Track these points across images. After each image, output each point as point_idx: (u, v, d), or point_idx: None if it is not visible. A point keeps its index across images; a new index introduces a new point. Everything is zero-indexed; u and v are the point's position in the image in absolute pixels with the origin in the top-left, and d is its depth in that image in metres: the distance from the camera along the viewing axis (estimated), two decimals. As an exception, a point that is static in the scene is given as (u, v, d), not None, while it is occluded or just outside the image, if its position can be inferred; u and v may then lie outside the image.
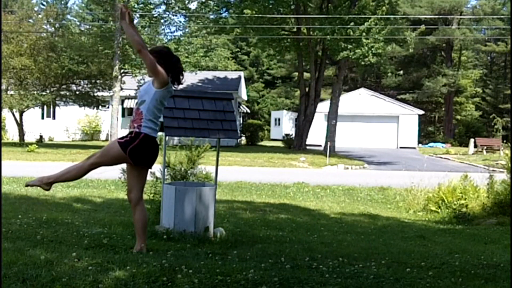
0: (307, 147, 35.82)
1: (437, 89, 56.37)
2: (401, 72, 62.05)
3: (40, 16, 41.91)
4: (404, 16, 44.40)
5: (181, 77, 5.66)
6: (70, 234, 6.47)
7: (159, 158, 7.51)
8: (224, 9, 34.32)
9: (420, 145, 49.55)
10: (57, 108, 41.65)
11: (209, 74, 43.03)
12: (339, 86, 34.85)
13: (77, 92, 35.82)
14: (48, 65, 33.17)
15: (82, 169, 5.49)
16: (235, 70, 54.07)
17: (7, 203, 9.69)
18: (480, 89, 62.98)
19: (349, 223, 9.99)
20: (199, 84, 40.65)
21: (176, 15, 33.88)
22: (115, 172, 8.04)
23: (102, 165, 5.53)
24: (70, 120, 43.63)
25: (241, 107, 46.53)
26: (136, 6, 30.87)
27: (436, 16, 54.30)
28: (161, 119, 5.65)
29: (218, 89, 37.95)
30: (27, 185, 5.64)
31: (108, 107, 36.35)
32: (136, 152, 5.31)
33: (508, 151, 15.40)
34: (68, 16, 48.67)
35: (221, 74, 44.89)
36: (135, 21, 30.52)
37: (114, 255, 5.26)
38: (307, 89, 35.49)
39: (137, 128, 5.34)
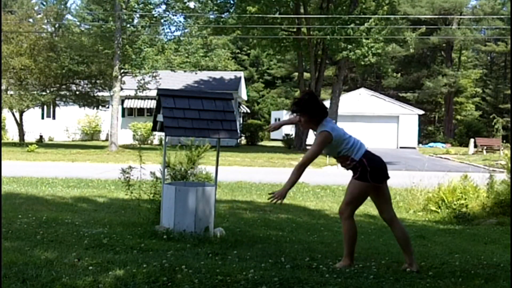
0: (307, 147, 35.77)
1: (437, 89, 56.36)
2: (401, 73, 62.02)
3: (40, 16, 41.93)
4: (404, 16, 44.42)
5: (325, 109, 5.75)
6: (70, 234, 6.47)
7: (160, 158, 7.52)
8: (224, 9, 34.32)
9: (420, 145, 49.54)
10: (57, 108, 41.64)
11: (209, 74, 43.03)
12: (339, 86, 34.85)
13: (77, 92, 35.80)
14: (48, 65, 33.14)
15: (349, 224, 5.52)
16: (235, 70, 54.06)
17: (7, 203, 9.69)
18: (480, 89, 62.98)
19: (349, 223, 9.97)
20: (199, 84, 40.67)
21: (176, 15, 33.88)
22: (114, 173, 8.04)
23: (356, 209, 5.65)
24: (70, 120, 43.62)
25: (241, 107, 46.53)
26: (136, 6, 30.85)
27: (436, 16, 54.30)
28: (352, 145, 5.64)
29: (218, 89, 37.95)
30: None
31: (108, 107, 36.34)
32: (374, 174, 5.43)
33: (508, 151, 15.40)
34: (68, 16, 48.75)
35: (221, 74, 44.88)
36: (135, 21, 30.54)
37: (114, 255, 5.27)
38: (307, 89, 35.42)
39: (352, 162, 5.49)
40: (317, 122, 5.54)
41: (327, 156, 5.79)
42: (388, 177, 5.62)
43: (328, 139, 5.45)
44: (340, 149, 5.51)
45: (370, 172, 5.39)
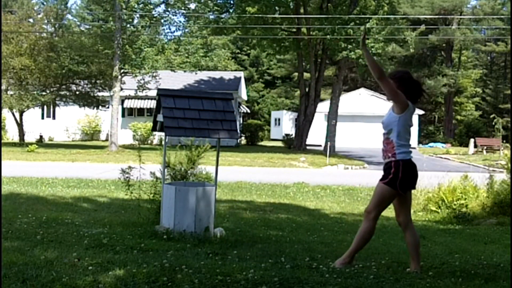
0: (307, 147, 35.81)
1: (438, 88, 56.35)
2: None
3: (40, 16, 41.91)
4: (404, 16, 44.39)
5: (420, 96, 5.66)
6: (70, 234, 6.47)
7: (159, 158, 7.52)
8: (224, 9, 34.31)
9: (420, 145, 49.53)
10: (57, 108, 41.64)
11: (209, 74, 43.01)
12: (339, 86, 34.86)
13: (77, 92, 35.81)
14: (48, 65, 33.13)
15: (370, 226, 5.60)
16: (235, 70, 54.06)
17: (7, 203, 9.70)
18: (480, 89, 62.98)
19: (349, 223, 9.99)
20: (199, 84, 40.67)
21: (176, 15, 33.88)
22: (114, 173, 8.04)
23: (382, 211, 5.70)
24: (70, 120, 43.62)
25: (241, 107, 46.52)
26: (136, 6, 30.85)
27: (436, 16, 54.30)
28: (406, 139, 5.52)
29: (218, 89, 37.95)
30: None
31: (108, 107, 36.33)
32: (404, 183, 5.39)
33: (508, 151, 15.41)
34: (68, 16, 48.71)
35: (221, 74, 44.87)
36: (135, 21, 30.53)
37: (114, 255, 5.27)
38: (307, 89, 35.49)
39: (392, 156, 5.42)
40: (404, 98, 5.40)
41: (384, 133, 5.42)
42: (414, 187, 5.64)
43: (406, 104, 5.36)
44: (397, 128, 5.39)
45: (400, 180, 5.37)
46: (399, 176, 5.35)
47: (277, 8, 33.20)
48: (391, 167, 5.41)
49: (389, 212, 12.45)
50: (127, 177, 7.70)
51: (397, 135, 5.39)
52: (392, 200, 5.58)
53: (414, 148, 45.37)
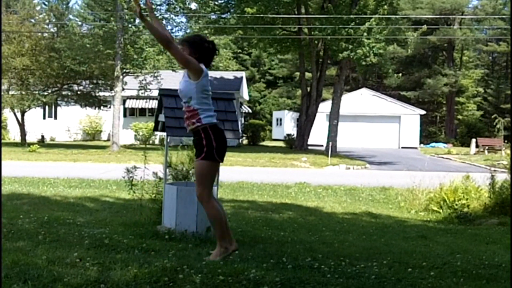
0: (309, 147, 35.81)
1: (439, 87, 56.32)
2: (402, 73, 61.99)
3: (41, 16, 41.96)
4: (405, 16, 44.42)
5: (212, 58, 5.54)
6: (72, 234, 6.47)
7: (161, 158, 7.53)
8: (225, 10, 34.31)
9: (421, 145, 49.52)
10: (58, 108, 41.67)
11: (211, 74, 42.74)
12: (340, 86, 34.83)
13: (79, 92, 35.85)
14: (50, 65, 33.18)
15: (214, 206, 5.46)
16: (237, 70, 54.07)
17: (8, 203, 9.71)
18: (482, 89, 62.92)
19: (351, 223, 9.99)
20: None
21: (177, 16, 33.88)
22: (116, 172, 8.04)
23: (212, 186, 5.52)
24: (71, 120, 43.66)
25: (242, 107, 46.53)
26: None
27: (437, 16, 54.28)
28: (210, 106, 5.48)
29: (219, 89, 37.76)
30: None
31: (109, 107, 36.35)
32: (219, 150, 5.33)
33: (509, 151, 15.41)
34: (70, 16, 48.74)
35: (222, 74, 44.89)
36: (136, 21, 30.48)
37: (115, 255, 5.27)
38: (308, 89, 35.49)
39: (198, 122, 5.31)
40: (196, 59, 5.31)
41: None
42: (224, 155, 5.48)
43: (200, 69, 5.26)
44: (196, 95, 5.30)
45: (216, 148, 5.27)
46: (214, 145, 5.27)
47: (276, 8, 33.13)
48: (201, 137, 5.30)
49: (391, 213, 12.48)
50: (130, 176, 7.71)
51: (198, 102, 5.31)
52: (215, 172, 5.51)
53: (415, 148, 45.54)
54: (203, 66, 5.34)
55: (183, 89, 5.43)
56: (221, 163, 5.55)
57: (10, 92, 33.45)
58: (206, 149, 5.28)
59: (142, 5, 5.27)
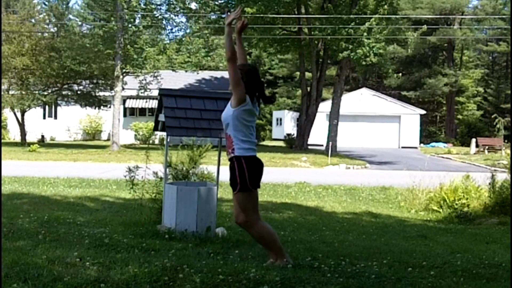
0: (309, 147, 35.80)
1: (439, 87, 56.32)
2: (402, 73, 62.01)
3: (41, 16, 41.96)
4: (405, 16, 44.42)
5: (255, 95, 5.34)
6: (72, 233, 6.47)
7: (161, 158, 7.53)
8: (225, 10, 34.30)
9: (421, 145, 49.50)
10: (58, 108, 41.67)
11: (211, 74, 43.02)
12: (340, 86, 34.83)
13: (79, 92, 35.85)
14: (50, 65, 33.18)
15: (262, 226, 5.32)
16: (237, 70, 53.97)
17: (8, 203, 9.71)
18: (482, 89, 62.91)
19: (351, 223, 9.99)
20: (201, 84, 40.68)
21: (177, 15, 33.87)
22: (116, 172, 8.04)
23: (256, 211, 5.32)
24: (71, 120, 43.65)
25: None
26: (137, 6, 30.85)
27: (438, 16, 54.27)
28: (248, 137, 5.29)
29: (219, 89, 37.92)
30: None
31: (109, 107, 36.34)
32: (253, 179, 5.15)
33: (509, 151, 15.42)
34: (70, 16, 48.71)
35: (222, 74, 44.87)
36: (136, 21, 30.51)
37: (115, 254, 5.27)
38: (308, 89, 35.49)
39: (232, 152, 5.16)
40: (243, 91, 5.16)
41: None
42: (259, 185, 5.33)
43: (243, 98, 5.11)
44: (232, 122, 5.16)
45: (249, 178, 5.11)
46: (246, 175, 5.09)
47: (276, 8, 33.14)
48: (234, 168, 5.13)
49: (391, 212, 12.48)
50: (132, 176, 7.71)
51: (234, 129, 5.15)
52: (255, 200, 5.29)
53: (415, 148, 45.55)
54: (247, 97, 5.17)
55: (224, 114, 5.31)
56: (219, 164, 5.48)
57: (10, 92, 33.45)
58: (240, 181, 5.12)
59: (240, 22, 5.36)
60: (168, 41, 33.87)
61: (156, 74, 31.98)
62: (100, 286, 4.05)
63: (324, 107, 39.76)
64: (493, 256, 6.63)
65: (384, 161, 30.89)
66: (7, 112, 38.76)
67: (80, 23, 39.36)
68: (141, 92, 32.72)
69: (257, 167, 5.22)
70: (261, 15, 31.37)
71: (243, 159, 5.11)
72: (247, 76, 5.21)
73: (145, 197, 7.71)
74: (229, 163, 5.23)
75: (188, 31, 34.15)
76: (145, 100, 40.10)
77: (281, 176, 19.56)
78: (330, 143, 30.70)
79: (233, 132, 5.16)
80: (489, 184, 12.01)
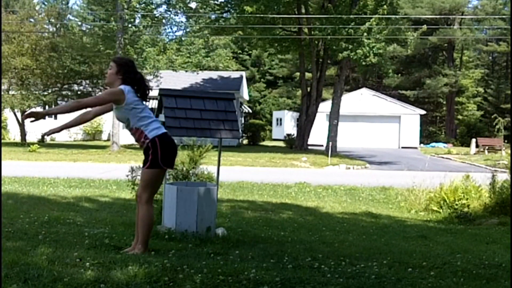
0: (309, 147, 35.80)
1: (439, 87, 56.33)
2: (402, 73, 62.01)
3: (41, 15, 41.94)
4: (405, 16, 44.38)
5: (147, 92, 5.62)
6: (72, 234, 6.47)
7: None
8: (225, 9, 34.32)
9: (421, 145, 49.51)
10: (59, 108, 41.61)
11: (211, 74, 42.99)
12: (340, 86, 34.83)
13: (79, 92, 35.81)
14: (50, 65, 33.17)
15: (147, 209, 5.56)
16: (237, 70, 54.06)
17: (8, 203, 9.70)
18: (482, 89, 62.92)
19: (351, 223, 9.99)
20: (201, 84, 40.66)
21: (177, 15, 33.89)
22: (116, 172, 8.04)
23: (155, 192, 5.72)
24: (71, 120, 43.60)
25: (243, 107, 46.51)
26: (137, 6, 30.86)
27: (438, 16, 54.26)
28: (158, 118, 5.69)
29: (220, 89, 37.91)
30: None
31: (109, 107, 36.32)
32: (165, 158, 5.41)
33: (509, 151, 15.41)
34: (70, 16, 48.73)
35: (222, 74, 44.87)
36: (136, 21, 30.49)
37: (115, 255, 5.27)
38: (308, 89, 35.49)
39: (145, 139, 5.41)
40: (121, 80, 5.46)
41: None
42: (174, 163, 5.67)
43: (119, 94, 5.35)
44: (131, 116, 5.41)
45: (161, 156, 5.36)
46: (159, 154, 5.34)
47: (276, 7, 33.14)
48: (149, 147, 5.39)
49: (391, 212, 12.48)
50: (134, 176, 7.71)
51: (137, 122, 5.42)
52: (161, 179, 5.68)
53: (415, 148, 45.55)
54: (121, 87, 5.40)
55: (117, 116, 5.56)
56: (219, 164, 5.58)
57: (10, 92, 33.44)
58: (152, 157, 5.38)
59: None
60: (168, 41, 33.85)
61: (156, 74, 31.98)
62: (100, 286, 4.05)
63: (324, 107, 39.77)
64: (493, 256, 6.62)
65: (384, 161, 30.88)
66: (7, 112, 38.74)
67: (80, 23, 39.34)
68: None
69: (171, 146, 5.50)
70: (261, 15, 31.36)
71: (157, 138, 5.37)
72: (123, 71, 5.52)
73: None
74: (144, 151, 5.45)
75: (188, 30, 34.17)
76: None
77: (281, 176, 19.56)
78: (330, 143, 30.69)
79: (137, 124, 5.42)
80: (489, 184, 12.02)
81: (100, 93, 5.13)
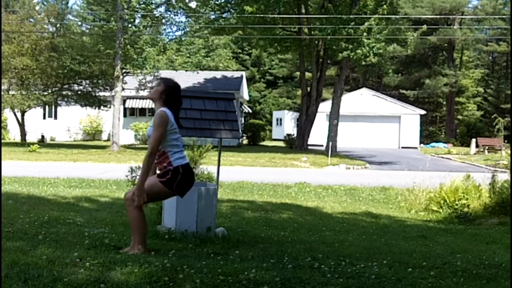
0: (309, 147, 35.79)
1: (439, 87, 56.33)
2: (402, 73, 62.00)
3: (41, 15, 41.93)
4: (405, 16, 44.38)
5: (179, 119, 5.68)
6: (72, 234, 6.47)
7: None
8: (225, 9, 34.31)
9: (421, 145, 49.51)
10: (58, 108, 41.61)
11: (211, 74, 42.99)
12: (340, 86, 34.83)
13: (79, 92, 35.81)
14: (50, 65, 33.16)
15: (138, 213, 5.51)
16: (237, 70, 54.06)
17: (8, 203, 9.70)
18: (482, 89, 62.91)
19: (351, 223, 9.99)
20: (201, 84, 40.66)
21: (177, 15, 33.86)
22: (116, 172, 8.04)
23: (150, 202, 5.74)
24: (71, 120, 43.63)
25: (243, 107, 46.51)
26: (137, 6, 30.85)
27: (438, 16, 54.26)
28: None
29: (220, 89, 37.89)
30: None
31: (109, 107, 36.32)
32: (181, 186, 5.43)
33: (509, 151, 15.41)
34: (70, 16, 48.73)
35: (222, 74, 44.87)
36: (136, 21, 30.49)
37: (115, 255, 5.26)
38: (308, 89, 35.49)
39: (169, 165, 5.40)
40: (163, 100, 5.51)
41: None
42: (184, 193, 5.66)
43: (167, 119, 5.38)
44: (164, 141, 5.40)
45: (178, 182, 5.39)
46: (177, 181, 5.39)
47: (276, 7, 33.13)
48: (168, 172, 5.40)
49: (391, 212, 12.48)
50: (133, 176, 7.71)
51: (168, 145, 5.43)
52: (165, 198, 5.81)
53: (415, 148, 45.55)
54: (166, 110, 5.42)
55: (149, 134, 5.50)
56: (219, 164, 5.58)
57: (10, 92, 33.42)
58: (170, 177, 5.37)
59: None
60: (168, 41, 33.84)
61: (156, 74, 31.97)
62: (100, 286, 4.05)
63: (324, 107, 39.76)
64: (493, 256, 6.63)
65: (384, 161, 30.88)
66: (7, 112, 38.72)
67: (80, 23, 39.34)
68: (141, 89, 32.70)
69: (190, 178, 5.53)
70: (261, 15, 31.36)
71: (181, 167, 5.41)
72: (167, 94, 5.52)
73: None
74: (169, 174, 5.42)
75: (188, 30, 34.15)
76: (145, 100, 40.08)
77: (281, 176, 19.56)
78: (330, 143, 30.69)
79: (167, 148, 5.42)
80: (489, 184, 12.02)
81: (151, 131, 5.02)
